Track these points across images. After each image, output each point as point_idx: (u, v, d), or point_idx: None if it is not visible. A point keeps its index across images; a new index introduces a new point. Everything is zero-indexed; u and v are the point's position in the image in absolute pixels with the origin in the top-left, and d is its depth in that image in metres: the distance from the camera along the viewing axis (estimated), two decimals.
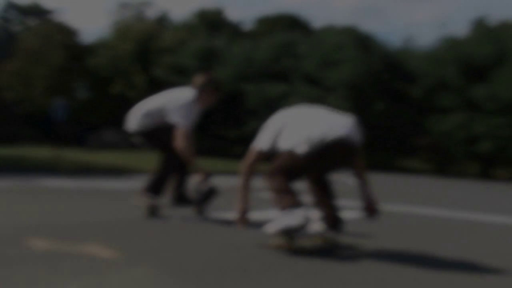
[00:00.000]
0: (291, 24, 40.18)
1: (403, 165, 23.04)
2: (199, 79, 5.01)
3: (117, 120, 32.49)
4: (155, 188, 4.98)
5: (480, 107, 19.65)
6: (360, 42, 24.04)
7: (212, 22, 38.98)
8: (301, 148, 3.53)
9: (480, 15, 22.92)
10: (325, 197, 3.98)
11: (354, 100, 21.92)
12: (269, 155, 3.92)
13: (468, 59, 20.39)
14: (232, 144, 25.05)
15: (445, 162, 21.88)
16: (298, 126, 3.67)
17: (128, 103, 30.38)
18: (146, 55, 30.30)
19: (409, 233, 5.08)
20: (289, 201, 3.54)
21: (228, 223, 5.00)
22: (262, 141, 3.87)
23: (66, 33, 32.48)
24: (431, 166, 22.31)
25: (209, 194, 5.04)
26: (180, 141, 4.78)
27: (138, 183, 9.47)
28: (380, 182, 5.91)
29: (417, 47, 24.79)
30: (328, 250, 3.90)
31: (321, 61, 23.75)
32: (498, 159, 19.55)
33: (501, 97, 18.61)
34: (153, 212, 5.02)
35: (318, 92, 23.29)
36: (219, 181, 10.47)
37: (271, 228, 3.67)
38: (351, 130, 3.60)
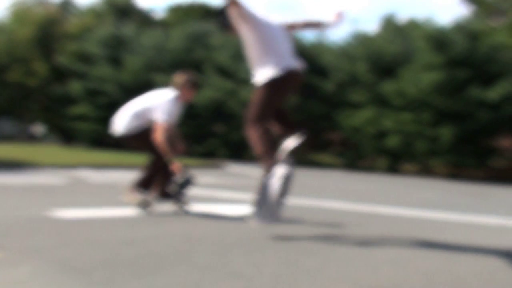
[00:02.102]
0: (204, 14, 40.03)
1: (315, 159, 23.72)
2: (179, 77, 5.55)
3: (15, 110, 30.96)
4: (145, 184, 5.44)
5: (388, 103, 20.61)
6: None
7: (120, 8, 38.01)
8: (272, 72, 4.22)
9: (389, 13, 24.08)
10: (284, 120, 4.59)
11: None
12: None
13: (377, 55, 21.34)
14: None
15: (355, 156, 22.74)
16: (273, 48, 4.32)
17: (27, 92, 29.13)
18: (48, 41, 29.04)
19: (319, 225, 5.28)
20: (271, 162, 4.19)
21: (126, 220, 4.96)
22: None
23: None
24: (342, 160, 23.11)
25: (185, 184, 5.40)
26: (159, 134, 5.22)
27: (33, 177, 9.11)
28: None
29: (330, 42, 25.57)
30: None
31: (234, 53, 23.83)
32: (405, 154, 20.62)
33: (407, 94, 19.63)
34: (145, 206, 5.47)
35: (231, 84, 23.42)
36: (124, 176, 10.29)
37: (256, 221, 4.19)
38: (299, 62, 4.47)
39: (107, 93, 25.26)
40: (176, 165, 5.32)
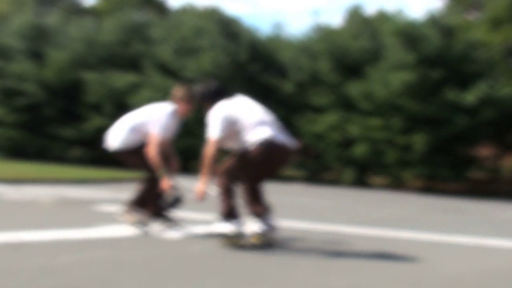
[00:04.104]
0: (142, 2, 39.84)
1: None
2: (177, 91, 6.03)
3: None
4: (141, 203, 5.89)
5: (355, 107, 20.83)
6: (224, 27, 24.42)
7: None
8: (254, 147, 5.10)
9: (355, 4, 24.47)
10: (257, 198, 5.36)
11: None
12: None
13: (342, 52, 21.58)
14: (69, 145, 24.18)
15: (318, 168, 22.88)
16: (250, 124, 5.25)
17: None
18: None
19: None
20: (230, 211, 5.18)
21: (47, 244, 4.88)
22: (216, 131, 5.22)
23: None
24: (303, 172, 23.21)
25: (175, 203, 5.82)
26: (151, 148, 5.69)
27: None
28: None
29: (289, 36, 25.76)
30: (265, 247, 5.12)
31: (179, 48, 23.73)
32: (374, 165, 20.87)
33: (376, 96, 19.88)
34: (142, 225, 5.89)
35: (175, 83, 23.33)
36: (45, 192, 10.11)
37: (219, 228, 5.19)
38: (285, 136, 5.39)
39: (27, 94, 24.69)
40: (166, 182, 5.65)
